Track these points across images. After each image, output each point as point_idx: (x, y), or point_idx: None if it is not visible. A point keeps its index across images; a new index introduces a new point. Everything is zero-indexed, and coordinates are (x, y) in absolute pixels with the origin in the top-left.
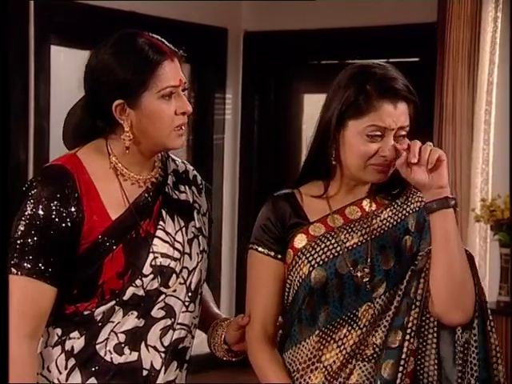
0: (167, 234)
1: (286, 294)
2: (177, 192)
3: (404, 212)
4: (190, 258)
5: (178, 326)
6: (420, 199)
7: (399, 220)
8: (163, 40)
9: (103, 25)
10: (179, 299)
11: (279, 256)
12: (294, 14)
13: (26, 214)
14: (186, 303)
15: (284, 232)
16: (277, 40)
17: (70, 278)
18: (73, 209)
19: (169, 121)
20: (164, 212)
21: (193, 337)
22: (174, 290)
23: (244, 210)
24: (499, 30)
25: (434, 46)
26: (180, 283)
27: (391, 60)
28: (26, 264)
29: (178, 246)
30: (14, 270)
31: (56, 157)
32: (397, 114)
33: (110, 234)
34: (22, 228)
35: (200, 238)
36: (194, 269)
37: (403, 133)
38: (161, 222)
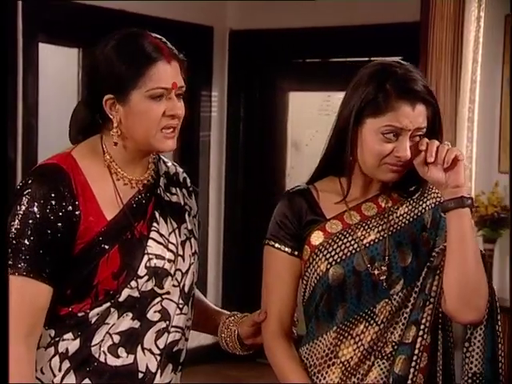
0: (161, 235)
1: (303, 290)
2: (168, 194)
3: (420, 208)
4: (183, 259)
5: (173, 329)
6: (436, 195)
7: (416, 216)
8: (167, 42)
9: (91, 23)
10: (173, 302)
11: (296, 252)
12: (279, 12)
13: (21, 213)
14: (180, 306)
15: (300, 228)
16: (262, 38)
17: (64, 278)
18: (69, 208)
19: (155, 121)
20: (157, 214)
21: (186, 339)
22: (168, 293)
23: (230, 206)
24: (482, 29)
25: (417, 44)
26: (174, 285)
27: (373, 58)
28: (22, 264)
29: (171, 247)
30: (10, 270)
31: (44, 154)
32: (414, 116)
33: (106, 234)
34: (18, 227)
35: (192, 240)
36: (187, 271)
37: (420, 133)
38: (154, 224)
